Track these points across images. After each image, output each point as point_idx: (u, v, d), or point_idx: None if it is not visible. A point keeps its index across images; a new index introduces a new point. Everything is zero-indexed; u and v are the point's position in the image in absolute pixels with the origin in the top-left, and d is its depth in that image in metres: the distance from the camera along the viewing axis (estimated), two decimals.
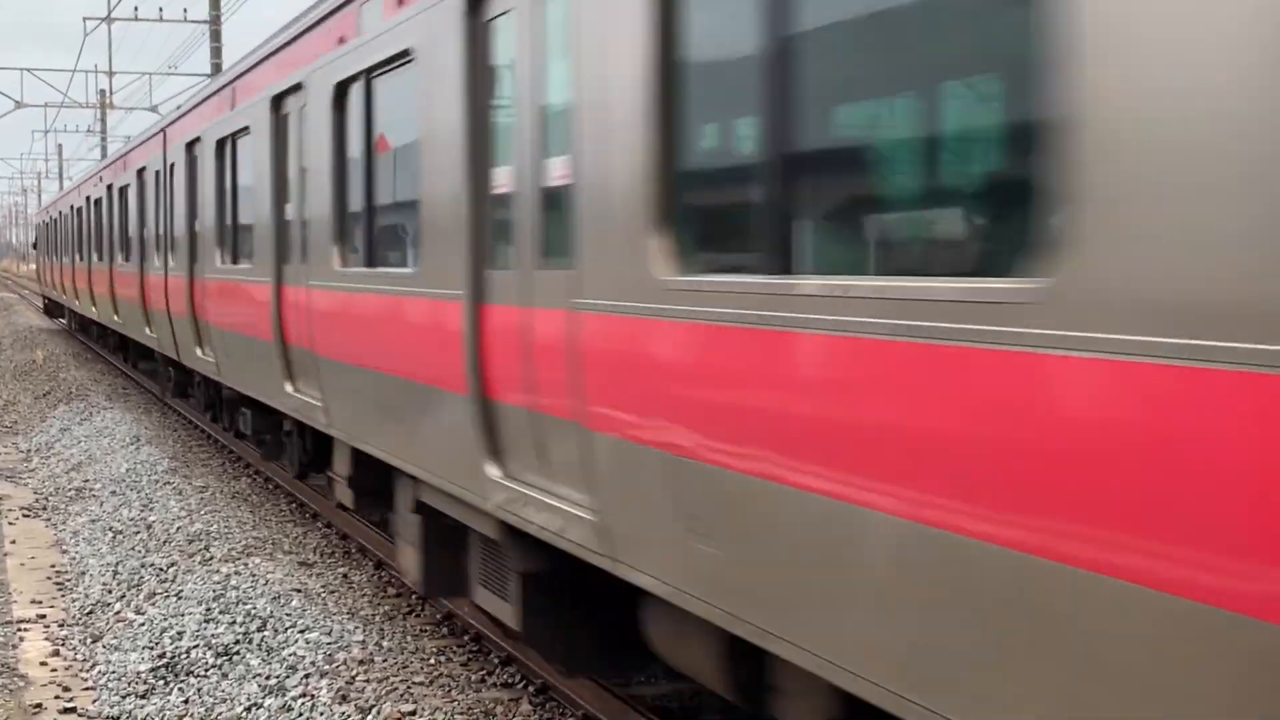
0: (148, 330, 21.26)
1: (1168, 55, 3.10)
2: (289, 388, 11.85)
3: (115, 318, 26.22)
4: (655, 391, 5.34)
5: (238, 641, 9.41)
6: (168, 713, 8.37)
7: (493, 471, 7.15)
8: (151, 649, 9.48)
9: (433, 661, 9.11)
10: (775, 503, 4.64)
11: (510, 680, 8.76)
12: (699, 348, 5.07)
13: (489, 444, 7.20)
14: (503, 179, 7.03)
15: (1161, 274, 3.13)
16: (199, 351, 16.64)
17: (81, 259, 31.97)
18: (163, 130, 19.09)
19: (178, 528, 13.39)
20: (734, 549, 4.93)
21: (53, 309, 51.99)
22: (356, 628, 9.64)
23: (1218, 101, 2.98)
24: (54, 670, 9.69)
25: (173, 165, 18.35)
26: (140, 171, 21.37)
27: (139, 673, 9.11)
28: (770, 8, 4.71)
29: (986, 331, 3.64)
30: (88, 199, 30.59)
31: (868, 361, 4.11)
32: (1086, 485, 3.35)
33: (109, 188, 26.17)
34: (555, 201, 6.38)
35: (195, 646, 9.39)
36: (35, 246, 53.05)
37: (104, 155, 60.48)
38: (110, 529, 13.81)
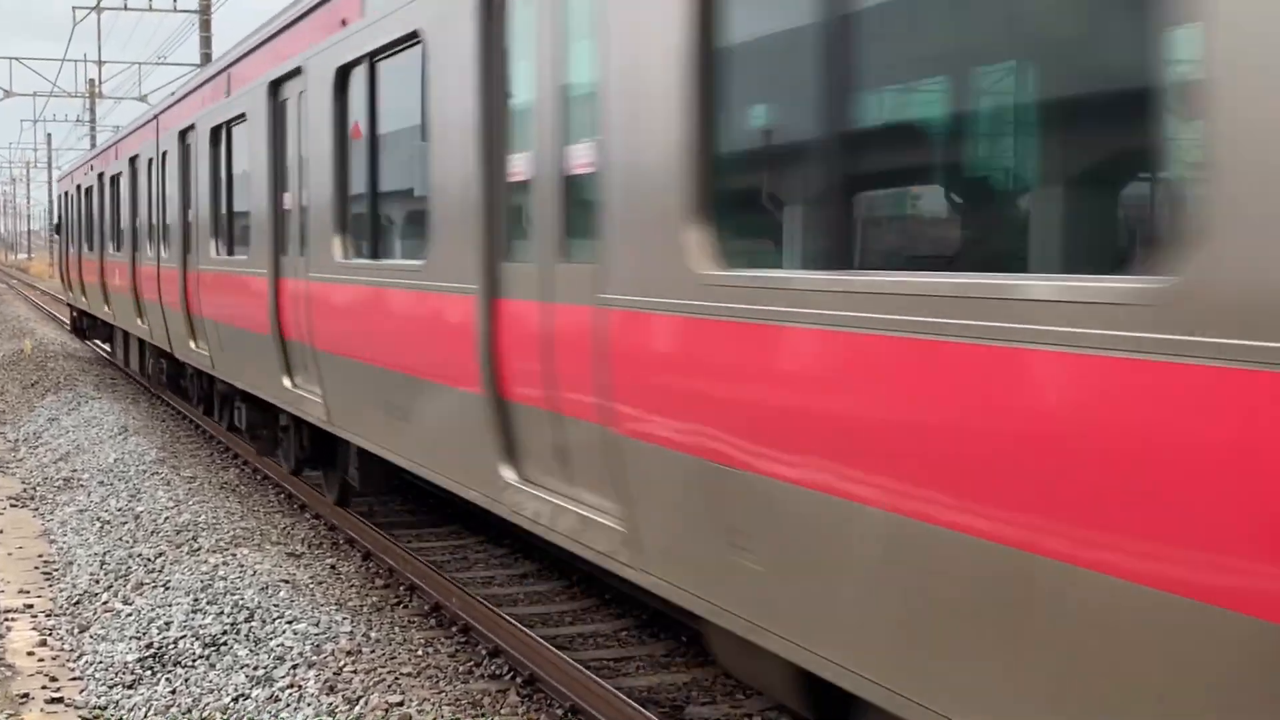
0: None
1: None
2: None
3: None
4: None
5: (225, 632, 9.40)
6: (155, 703, 8.37)
7: None
8: (139, 639, 9.48)
9: (420, 653, 9.11)
10: None
11: (498, 671, 8.76)
12: None
13: None
14: None
15: None
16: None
17: (192, 250, 16.88)
18: None
19: (165, 518, 13.38)
20: None
21: (82, 324, 33.64)
22: (344, 619, 9.64)
23: None
24: (41, 660, 9.68)
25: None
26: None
27: (126, 663, 9.11)
28: None
29: None
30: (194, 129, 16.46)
31: None
32: None
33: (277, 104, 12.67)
34: None
35: (183, 637, 9.38)
36: (57, 230, 37.48)
37: (93, 145, 59.91)
38: (98, 519, 13.80)
